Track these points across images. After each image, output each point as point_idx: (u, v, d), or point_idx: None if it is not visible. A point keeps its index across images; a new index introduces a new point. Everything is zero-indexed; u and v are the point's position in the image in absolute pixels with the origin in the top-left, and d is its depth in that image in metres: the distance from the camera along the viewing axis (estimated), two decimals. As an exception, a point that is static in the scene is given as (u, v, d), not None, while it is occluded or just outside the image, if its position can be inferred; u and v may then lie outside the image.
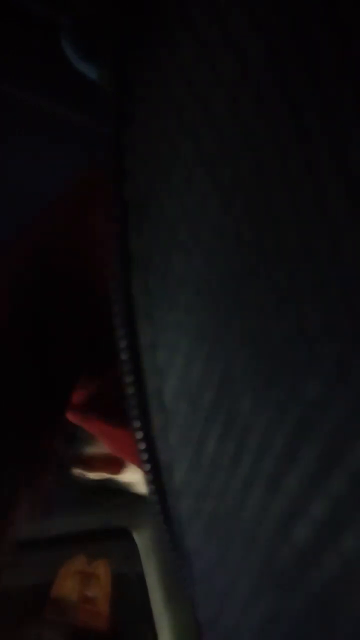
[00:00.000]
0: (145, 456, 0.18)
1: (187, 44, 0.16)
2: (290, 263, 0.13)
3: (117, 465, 0.30)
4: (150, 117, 0.18)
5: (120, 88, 0.19)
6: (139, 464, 0.18)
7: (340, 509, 0.13)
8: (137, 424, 0.18)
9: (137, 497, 0.52)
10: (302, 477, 0.14)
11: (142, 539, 0.56)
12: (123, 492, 0.52)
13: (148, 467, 0.18)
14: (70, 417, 0.27)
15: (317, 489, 0.14)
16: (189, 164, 0.16)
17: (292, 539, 0.14)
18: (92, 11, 0.40)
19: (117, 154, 0.19)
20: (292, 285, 0.13)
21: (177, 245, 0.17)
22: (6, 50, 0.40)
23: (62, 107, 0.43)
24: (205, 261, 0.16)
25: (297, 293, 0.13)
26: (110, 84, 0.19)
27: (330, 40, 0.12)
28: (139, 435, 0.18)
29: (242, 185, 0.14)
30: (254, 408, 0.15)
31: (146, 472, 0.18)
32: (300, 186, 0.13)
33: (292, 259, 0.13)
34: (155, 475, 0.18)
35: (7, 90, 0.41)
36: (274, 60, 0.13)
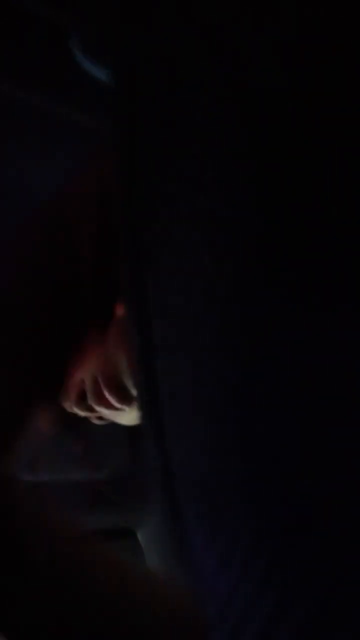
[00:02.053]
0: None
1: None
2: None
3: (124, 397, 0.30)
4: (159, 126, 0.18)
5: (130, 99, 0.19)
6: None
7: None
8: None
9: (142, 497, 0.52)
10: None
11: (147, 539, 0.56)
12: (128, 492, 0.51)
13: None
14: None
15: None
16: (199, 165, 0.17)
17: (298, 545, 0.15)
18: (99, 14, 0.40)
19: (128, 157, 0.19)
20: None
21: (188, 246, 0.17)
22: (8, 51, 0.40)
23: (63, 107, 0.43)
24: (211, 260, 0.16)
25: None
26: (119, 87, 0.19)
27: None
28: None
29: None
30: None
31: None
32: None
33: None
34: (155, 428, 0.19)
35: (8, 90, 0.41)
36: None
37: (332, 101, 0.14)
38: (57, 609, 0.25)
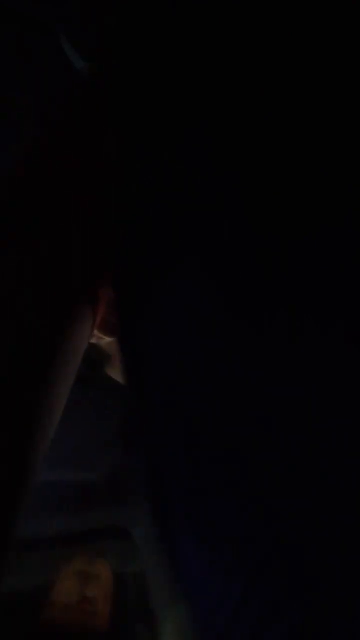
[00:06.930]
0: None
1: None
2: None
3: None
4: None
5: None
6: None
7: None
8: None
9: (137, 497, 0.52)
10: None
11: (142, 539, 0.56)
12: (122, 492, 0.51)
13: None
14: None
15: None
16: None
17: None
18: (89, 10, 0.40)
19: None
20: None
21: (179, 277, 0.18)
22: None
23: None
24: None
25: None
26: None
27: None
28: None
29: None
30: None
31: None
32: None
33: None
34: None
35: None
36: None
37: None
38: None
